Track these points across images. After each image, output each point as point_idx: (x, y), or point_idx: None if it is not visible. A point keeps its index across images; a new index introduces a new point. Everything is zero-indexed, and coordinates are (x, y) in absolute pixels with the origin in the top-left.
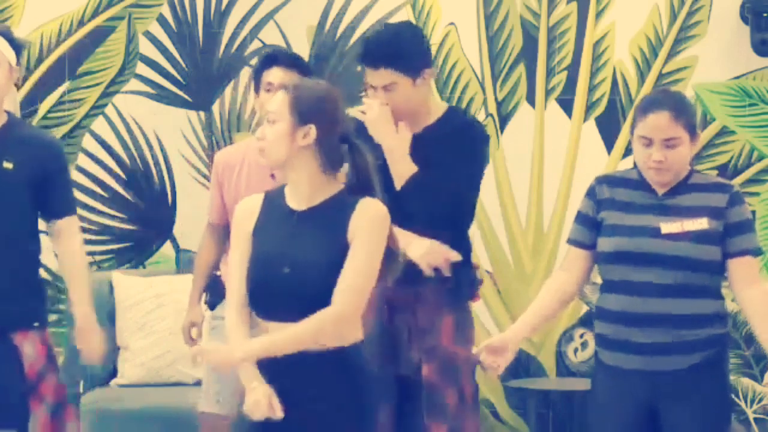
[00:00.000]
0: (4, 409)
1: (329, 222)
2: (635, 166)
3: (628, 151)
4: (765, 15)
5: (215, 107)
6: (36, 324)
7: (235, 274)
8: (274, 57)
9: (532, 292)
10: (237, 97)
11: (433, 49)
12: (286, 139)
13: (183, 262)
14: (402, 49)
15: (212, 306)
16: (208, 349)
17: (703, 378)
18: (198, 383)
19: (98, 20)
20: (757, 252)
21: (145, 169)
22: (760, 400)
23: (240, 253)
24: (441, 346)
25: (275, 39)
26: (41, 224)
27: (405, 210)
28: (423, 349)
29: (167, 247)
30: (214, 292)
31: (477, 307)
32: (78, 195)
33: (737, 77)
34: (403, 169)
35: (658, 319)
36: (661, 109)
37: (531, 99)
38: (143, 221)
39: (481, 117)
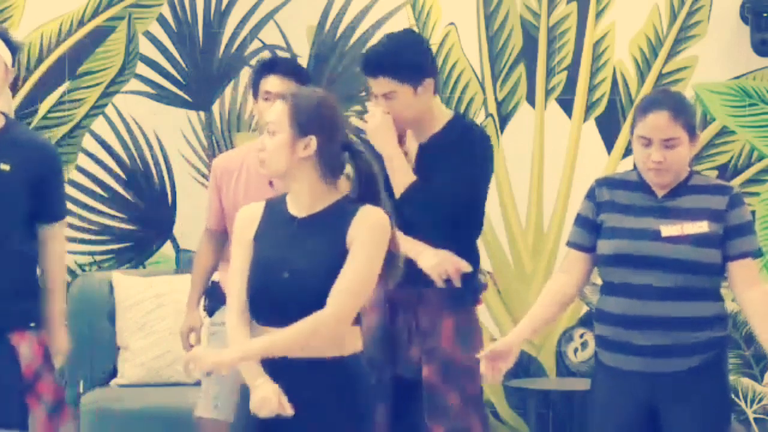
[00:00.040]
0: (4, 409)
1: (329, 228)
2: (635, 167)
3: (628, 152)
4: (765, 15)
5: (215, 107)
6: (32, 324)
7: (236, 280)
8: (272, 64)
9: (532, 292)
10: (237, 97)
11: (433, 49)
12: (286, 151)
13: (183, 262)
14: (401, 57)
15: (211, 312)
16: (199, 355)
17: (702, 379)
18: (198, 383)
19: (98, 20)
20: (757, 254)
21: (145, 169)
22: (760, 400)
23: (241, 260)
24: (441, 348)
25: (275, 39)
26: None
27: (404, 218)
28: (423, 350)
29: (167, 247)
30: (213, 297)
31: (477, 308)
32: (78, 195)
33: (737, 77)
34: (401, 178)
35: (657, 322)
36: (661, 109)
37: (531, 99)
38: (143, 221)
39: (481, 117)
